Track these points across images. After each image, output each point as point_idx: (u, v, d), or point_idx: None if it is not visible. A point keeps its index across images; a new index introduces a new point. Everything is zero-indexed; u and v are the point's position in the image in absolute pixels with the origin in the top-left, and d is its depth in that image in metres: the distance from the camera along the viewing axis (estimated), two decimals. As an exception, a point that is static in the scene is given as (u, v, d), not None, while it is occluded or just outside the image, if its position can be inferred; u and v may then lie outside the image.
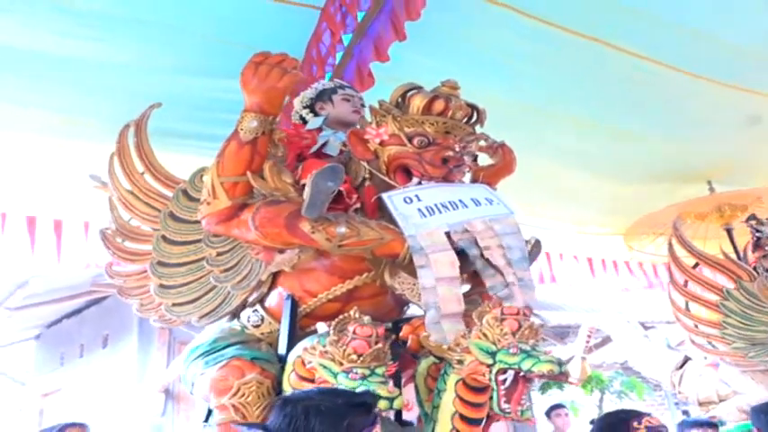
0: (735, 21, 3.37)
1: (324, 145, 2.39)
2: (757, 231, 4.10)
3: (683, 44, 3.49)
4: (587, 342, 5.23)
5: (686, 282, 3.82)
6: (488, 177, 2.36)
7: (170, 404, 6.26)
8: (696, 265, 3.89)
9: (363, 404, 1.54)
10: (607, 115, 4.04)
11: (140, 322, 6.38)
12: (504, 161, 2.43)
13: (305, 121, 2.59)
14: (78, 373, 6.89)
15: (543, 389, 8.29)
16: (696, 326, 3.72)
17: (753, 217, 4.27)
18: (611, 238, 5.56)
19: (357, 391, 1.70)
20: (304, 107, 2.64)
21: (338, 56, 3.21)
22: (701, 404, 3.92)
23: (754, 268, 3.82)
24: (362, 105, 2.62)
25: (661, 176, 4.78)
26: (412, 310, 2.38)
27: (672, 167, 4.71)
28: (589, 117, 4.04)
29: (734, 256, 4.19)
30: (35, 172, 3.72)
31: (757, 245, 4.04)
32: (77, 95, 3.24)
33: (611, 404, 8.04)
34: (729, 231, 4.67)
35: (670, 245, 3.97)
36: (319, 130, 2.48)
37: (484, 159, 2.47)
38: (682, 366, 4.24)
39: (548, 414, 6.28)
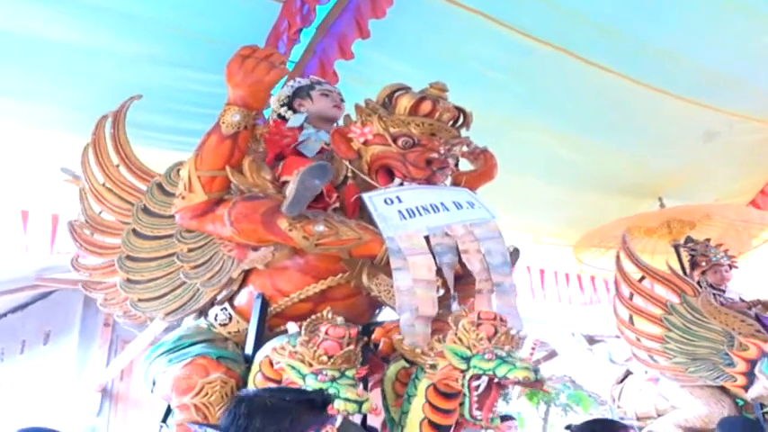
0: (698, 41, 3.50)
1: (302, 142, 2.35)
2: (692, 251, 4.23)
3: (648, 61, 3.62)
4: (531, 354, 5.23)
5: (632, 295, 3.88)
6: (469, 183, 2.35)
7: (107, 404, 6.07)
8: (642, 278, 3.96)
9: (311, 401, 1.51)
10: (571, 126, 4.13)
11: (83, 319, 6.19)
12: (485, 167, 2.43)
13: (284, 119, 2.54)
14: (18, 369, 6.61)
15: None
16: (638, 339, 3.77)
17: (689, 239, 4.41)
18: (564, 250, 5.64)
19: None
20: (282, 105, 2.59)
21: (294, 51, 3.18)
22: (639, 418, 3.99)
23: (698, 283, 3.92)
24: (342, 100, 2.60)
25: (616, 190, 4.89)
26: (383, 315, 2.37)
27: (626, 181, 4.83)
28: (553, 127, 4.12)
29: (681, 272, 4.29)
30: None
31: (694, 263, 4.18)
32: (39, 81, 3.15)
33: (557, 417, 8.15)
34: (677, 248, 4.69)
35: (618, 257, 4.03)
36: (300, 127, 2.44)
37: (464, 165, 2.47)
38: (623, 380, 4.32)
39: (496, 425, 6.28)
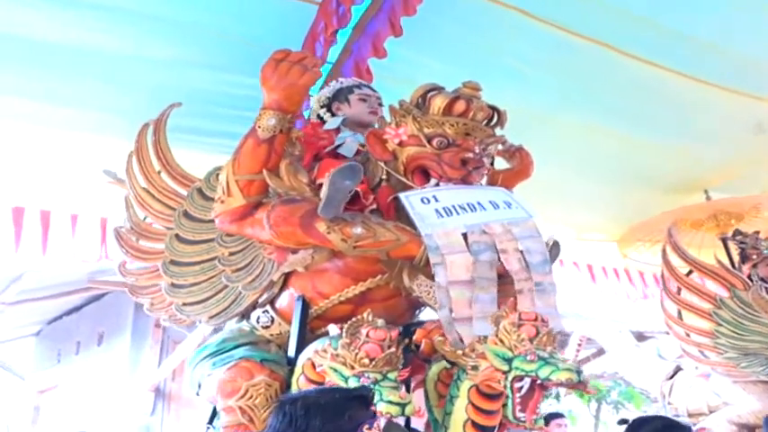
0: (742, 31, 3.38)
1: (340, 145, 2.35)
2: (742, 243, 4.11)
3: (692, 53, 3.51)
4: (578, 351, 5.13)
5: (679, 289, 3.81)
6: (505, 181, 2.33)
7: (160, 403, 6.21)
8: (690, 272, 3.87)
9: (362, 398, 1.53)
10: (613, 120, 4.03)
11: (135, 320, 6.36)
12: (521, 165, 2.41)
13: (323, 120, 2.57)
14: (73, 370, 6.84)
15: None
16: (688, 335, 3.71)
17: (737, 232, 4.28)
18: (610, 244, 5.54)
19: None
20: (321, 106, 2.62)
21: (331, 52, 3.19)
22: (690, 415, 3.91)
23: (749, 277, 3.81)
24: (380, 104, 2.60)
25: (660, 184, 4.78)
26: (423, 315, 2.36)
27: (671, 175, 4.70)
28: (594, 122, 4.03)
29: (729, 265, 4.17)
30: (28, 163, 3.69)
31: (744, 256, 4.06)
32: (84, 88, 3.22)
33: (608, 415, 8.03)
34: (725, 240, 4.59)
35: (664, 251, 3.96)
36: (337, 130, 2.45)
37: (500, 163, 2.44)
38: (672, 376, 4.23)
39: (546, 423, 6.20)
